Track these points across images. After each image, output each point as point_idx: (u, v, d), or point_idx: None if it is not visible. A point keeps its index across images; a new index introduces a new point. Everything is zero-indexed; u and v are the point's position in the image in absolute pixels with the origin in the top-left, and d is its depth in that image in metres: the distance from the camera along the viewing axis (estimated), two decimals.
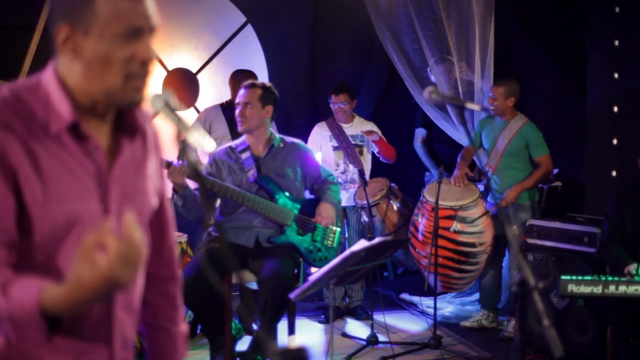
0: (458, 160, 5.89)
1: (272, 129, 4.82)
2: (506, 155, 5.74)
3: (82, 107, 1.69)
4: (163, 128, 1.94)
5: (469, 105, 2.79)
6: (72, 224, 1.66)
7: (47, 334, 1.52)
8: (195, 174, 1.68)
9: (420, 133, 6.61)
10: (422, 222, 5.63)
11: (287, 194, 4.67)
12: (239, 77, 6.02)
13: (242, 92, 4.65)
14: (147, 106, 1.76)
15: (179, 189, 4.35)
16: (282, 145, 4.74)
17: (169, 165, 4.25)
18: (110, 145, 1.77)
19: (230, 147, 4.72)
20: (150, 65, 1.70)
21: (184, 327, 2.08)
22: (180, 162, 4.23)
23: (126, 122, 1.80)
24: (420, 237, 5.66)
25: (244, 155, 4.67)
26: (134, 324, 1.88)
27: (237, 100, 4.67)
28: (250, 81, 4.77)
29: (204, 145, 1.69)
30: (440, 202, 5.39)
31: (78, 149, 1.68)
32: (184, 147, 1.91)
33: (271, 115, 4.70)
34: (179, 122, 1.72)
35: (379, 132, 6.24)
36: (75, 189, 1.67)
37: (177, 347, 2.06)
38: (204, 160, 4.82)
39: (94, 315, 1.73)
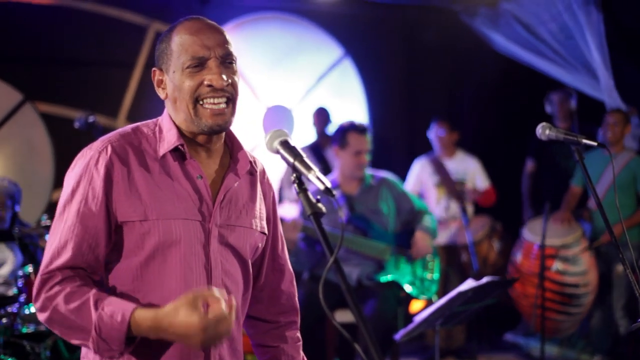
0: (562, 204, 5.69)
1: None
2: (612, 189, 5.45)
3: (186, 137, 1.89)
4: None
5: (586, 141, 2.63)
6: (171, 242, 1.81)
7: (124, 349, 1.71)
8: (316, 215, 1.62)
9: (528, 163, 6.36)
10: (522, 261, 5.44)
11: (381, 229, 4.60)
12: (323, 114, 6.29)
13: (363, 139, 4.57)
14: (262, 144, 1.78)
15: (290, 246, 4.30)
16: (373, 183, 4.68)
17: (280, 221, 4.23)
18: (218, 178, 1.91)
19: None
20: (219, 87, 1.81)
21: None
22: (292, 218, 4.23)
23: (235, 161, 1.94)
24: (520, 277, 5.44)
25: (335, 194, 4.59)
26: (232, 350, 1.95)
27: (359, 148, 4.57)
28: (363, 125, 4.67)
29: (324, 182, 1.69)
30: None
31: (182, 174, 1.85)
32: (301, 187, 1.80)
33: None
34: (296, 159, 1.70)
35: (482, 168, 6.09)
36: (177, 210, 1.82)
37: None
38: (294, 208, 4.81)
39: None
